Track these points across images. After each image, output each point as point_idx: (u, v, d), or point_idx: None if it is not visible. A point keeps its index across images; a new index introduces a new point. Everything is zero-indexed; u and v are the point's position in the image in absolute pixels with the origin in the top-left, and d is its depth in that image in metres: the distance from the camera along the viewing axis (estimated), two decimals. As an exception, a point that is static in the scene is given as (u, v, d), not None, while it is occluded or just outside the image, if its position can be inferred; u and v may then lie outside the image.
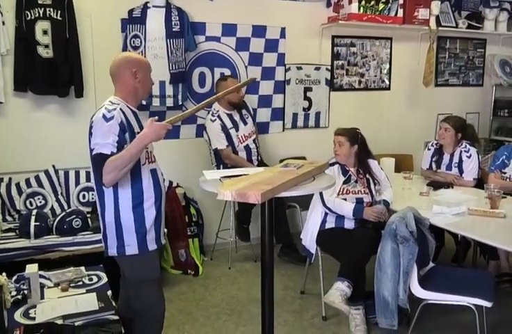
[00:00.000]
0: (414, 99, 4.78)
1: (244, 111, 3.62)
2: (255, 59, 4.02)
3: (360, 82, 4.49)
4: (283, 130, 4.22)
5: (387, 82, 4.63)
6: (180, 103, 3.66)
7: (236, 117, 3.56)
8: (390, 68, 4.61)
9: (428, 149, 3.63)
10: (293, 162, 2.16)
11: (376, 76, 4.56)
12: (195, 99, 3.83)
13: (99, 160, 1.74)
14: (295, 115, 4.27)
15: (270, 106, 4.16)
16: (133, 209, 1.94)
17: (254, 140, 3.60)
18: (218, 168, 3.64)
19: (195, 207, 3.75)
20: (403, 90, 4.70)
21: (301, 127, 4.30)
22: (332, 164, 2.90)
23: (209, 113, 3.54)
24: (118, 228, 1.95)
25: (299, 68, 4.21)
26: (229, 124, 3.51)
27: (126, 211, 1.93)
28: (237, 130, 3.52)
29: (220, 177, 2.04)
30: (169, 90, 3.56)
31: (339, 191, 2.88)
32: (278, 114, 4.20)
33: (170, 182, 3.65)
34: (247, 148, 3.57)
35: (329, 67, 4.34)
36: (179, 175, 3.76)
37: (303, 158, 3.99)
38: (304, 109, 4.30)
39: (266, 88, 4.07)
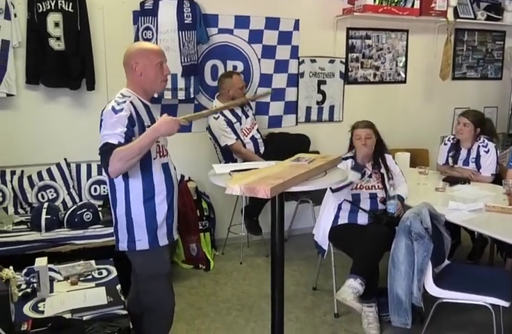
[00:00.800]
0: (431, 92, 4.70)
1: (248, 107, 3.66)
2: (268, 52, 3.98)
3: (375, 75, 4.44)
4: (296, 124, 4.18)
5: (403, 75, 4.56)
6: (192, 96, 3.64)
7: (239, 111, 3.57)
8: (406, 61, 4.53)
9: (445, 144, 3.57)
10: (304, 156, 2.15)
11: (391, 69, 4.50)
12: (207, 92, 3.81)
13: (105, 149, 1.71)
14: (308, 109, 4.24)
15: (284, 99, 4.13)
16: (144, 203, 1.92)
17: (258, 130, 3.62)
18: (227, 162, 3.63)
19: (206, 201, 3.74)
20: (420, 84, 4.63)
21: (315, 121, 4.27)
22: (346, 158, 2.88)
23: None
24: (129, 222, 1.93)
25: (313, 61, 4.17)
26: (232, 118, 3.51)
27: (137, 205, 1.91)
28: (241, 124, 3.54)
29: (230, 171, 2.04)
30: (181, 83, 3.54)
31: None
32: (291, 107, 4.17)
33: (182, 176, 3.64)
34: (253, 139, 3.58)
35: (343, 60, 4.29)
36: (191, 169, 3.75)
37: (316, 152, 3.95)
38: (318, 103, 4.27)
39: (280, 81, 4.04)
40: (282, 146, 3.67)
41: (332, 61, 4.25)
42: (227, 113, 3.49)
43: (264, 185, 1.58)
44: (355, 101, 4.37)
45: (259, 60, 3.97)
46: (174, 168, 2.07)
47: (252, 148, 3.56)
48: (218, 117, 3.46)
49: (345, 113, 4.34)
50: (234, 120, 3.51)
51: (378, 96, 4.47)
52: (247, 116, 3.60)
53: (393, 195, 2.81)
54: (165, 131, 1.75)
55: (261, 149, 3.62)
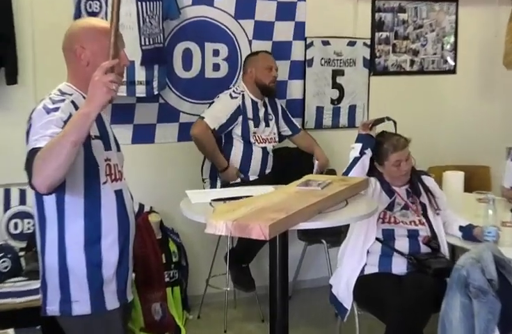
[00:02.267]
0: (491, 86, 4.75)
1: (269, 109, 3.84)
2: (263, 30, 4.01)
3: (412, 62, 4.48)
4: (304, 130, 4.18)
5: (452, 62, 4.62)
6: (156, 92, 3.67)
7: (261, 111, 3.77)
8: (456, 43, 4.60)
9: (513, 160, 3.61)
10: (316, 178, 2.19)
11: (435, 53, 4.55)
12: (177, 87, 3.85)
13: (30, 157, 1.68)
14: (319, 110, 4.25)
15: (285, 96, 4.15)
16: (86, 248, 1.90)
17: (273, 147, 3.84)
18: (212, 186, 3.68)
19: (175, 241, 3.74)
20: (475, 74, 4.69)
21: (328, 127, 4.28)
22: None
23: (228, 89, 3.75)
24: (63, 274, 1.90)
25: (325, 43, 4.20)
26: (249, 113, 3.69)
27: (76, 250, 1.90)
28: (256, 126, 3.72)
29: (211, 199, 2.07)
30: (140, 74, 3.56)
31: (382, 217, 2.90)
32: (295, 108, 4.18)
33: (141, 206, 3.64)
34: (264, 152, 3.76)
35: (368, 42, 4.33)
36: (154, 196, 3.76)
37: (332, 172, 3.96)
38: (332, 101, 4.28)
39: (279, 71, 4.01)
40: (283, 164, 3.75)
41: (352, 43, 4.28)
42: (247, 102, 3.70)
43: (261, 221, 1.61)
44: (385, 98, 4.40)
45: (249, 42, 4.00)
46: (131, 197, 2.08)
47: (259, 162, 3.73)
48: (236, 98, 3.66)
49: (371, 115, 4.36)
50: (250, 115, 3.70)
51: (416, 91, 4.52)
52: (267, 125, 3.80)
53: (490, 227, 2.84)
54: (98, 94, 1.63)
55: (268, 169, 3.79)
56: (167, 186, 3.79)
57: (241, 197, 2.06)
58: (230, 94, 3.66)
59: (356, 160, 2.93)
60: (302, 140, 3.97)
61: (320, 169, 3.72)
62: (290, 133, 3.95)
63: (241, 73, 3.86)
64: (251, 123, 3.68)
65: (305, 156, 3.93)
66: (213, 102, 3.67)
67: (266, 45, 4.04)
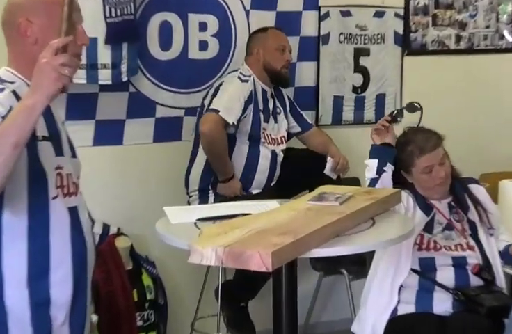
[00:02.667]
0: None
1: (278, 103, 3.93)
2: None
3: (458, 38, 4.52)
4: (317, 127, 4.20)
5: (510, 38, 4.64)
6: (125, 79, 3.70)
7: (270, 102, 3.86)
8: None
9: None
10: (333, 190, 2.21)
11: (488, 27, 4.58)
12: (153, 71, 3.86)
13: None
14: (338, 101, 4.30)
15: (292, 84, 4.17)
16: (30, 283, 1.89)
17: (282, 151, 3.89)
18: (203, 201, 3.68)
19: (151, 273, 3.74)
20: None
21: (349, 123, 4.33)
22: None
23: (234, 71, 3.84)
24: (1, 319, 1.89)
25: (345, 14, 4.25)
26: (260, 104, 3.76)
27: (16, 287, 1.89)
28: (265, 121, 3.81)
29: (197, 219, 2.09)
30: (104, 55, 3.58)
31: (419, 243, 2.89)
32: (306, 99, 4.21)
33: (105, 227, 3.65)
34: (273, 156, 3.80)
35: (401, 12, 4.37)
36: (122, 214, 3.78)
37: (355, 181, 3.98)
38: (355, 89, 4.33)
39: None
40: (289, 171, 3.78)
41: (380, 14, 4.32)
42: (258, 89, 3.77)
43: (261, 247, 1.63)
44: (423, 85, 4.43)
45: (246, 12, 4.04)
46: (90, 218, 2.08)
47: (267, 171, 3.77)
48: (247, 81, 3.71)
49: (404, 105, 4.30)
50: (261, 105, 3.78)
51: (463, 76, 4.55)
52: (276, 120, 3.88)
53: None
54: (47, 84, 1.64)
55: (274, 180, 3.85)
56: (139, 202, 3.82)
57: (235, 216, 2.07)
58: (239, 77, 3.71)
59: (373, 182, 2.92)
60: (315, 138, 4.00)
61: (334, 169, 3.76)
62: (299, 130, 3.98)
63: (245, 55, 3.88)
64: (261, 117, 3.76)
65: (317, 161, 3.91)
66: (217, 89, 3.69)
67: (267, 17, 4.06)
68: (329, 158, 3.74)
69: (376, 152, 2.97)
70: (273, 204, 2.28)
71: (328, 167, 3.67)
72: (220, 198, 3.61)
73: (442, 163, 2.92)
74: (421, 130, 3.01)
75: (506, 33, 4.65)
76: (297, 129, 3.98)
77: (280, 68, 3.75)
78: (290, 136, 3.96)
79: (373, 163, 2.93)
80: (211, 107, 3.60)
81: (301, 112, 3.99)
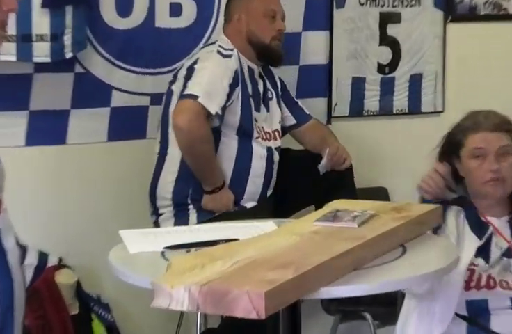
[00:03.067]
0: None
1: (269, 84, 3.96)
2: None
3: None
4: (328, 121, 4.25)
5: None
6: (69, 55, 3.67)
7: (260, 84, 3.90)
8: None
9: None
10: (349, 206, 2.21)
11: None
12: (107, 44, 3.85)
13: None
14: (358, 85, 4.32)
15: (298, 62, 4.19)
16: None
17: (277, 150, 3.94)
18: (181, 220, 3.62)
19: (104, 319, 3.71)
20: None
21: (374, 114, 4.36)
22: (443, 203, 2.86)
23: (211, 44, 3.87)
24: None
25: (368, -35, 4.29)
26: (249, 86, 3.80)
27: None
28: (256, 109, 3.83)
29: (164, 247, 2.09)
30: (40, 23, 3.57)
31: (467, 280, 2.83)
32: (316, 82, 4.24)
33: (42, 257, 3.60)
34: (269, 154, 3.83)
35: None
36: (64, 240, 3.76)
37: (381, 192, 3.99)
38: (381, 68, 4.35)
39: (288, 17, 4.03)
40: (290, 178, 3.76)
41: (414, -35, 4.37)
42: (244, 68, 3.77)
43: (250, 285, 1.60)
44: (474, 61, 4.46)
45: None
46: (19, 245, 2.06)
47: (262, 177, 3.78)
48: (230, 56, 3.72)
49: (450, 93, 4.42)
50: (250, 90, 3.81)
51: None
52: (267, 108, 3.90)
53: None
54: None
55: (270, 188, 3.87)
56: (88, 223, 3.78)
57: (217, 243, 2.05)
58: (219, 52, 3.71)
59: None
60: (313, 133, 3.98)
61: (330, 162, 3.74)
62: (294, 122, 3.97)
63: (223, 21, 3.87)
64: (252, 103, 3.79)
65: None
66: (191, 68, 3.67)
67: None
68: (326, 150, 3.74)
69: None
70: (268, 225, 2.27)
71: (321, 163, 3.69)
72: (207, 216, 3.59)
73: (502, 154, 2.88)
74: (488, 110, 3.00)
75: None
76: (291, 121, 3.97)
77: (269, 40, 3.72)
78: (284, 130, 3.96)
79: None
80: (185, 92, 3.57)
81: (296, 99, 4.00)
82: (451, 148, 2.97)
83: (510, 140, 2.91)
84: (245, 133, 3.70)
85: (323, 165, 3.68)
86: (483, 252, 2.86)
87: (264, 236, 2.07)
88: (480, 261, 2.85)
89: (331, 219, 2.10)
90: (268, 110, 3.84)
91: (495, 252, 2.88)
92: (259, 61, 3.79)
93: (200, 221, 3.52)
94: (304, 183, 3.79)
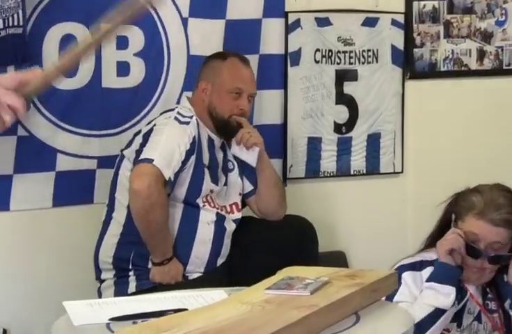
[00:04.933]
0: None
1: (229, 155, 4.00)
2: (208, 1, 4.11)
3: (481, 55, 4.57)
4: (284, 182, 4.21)
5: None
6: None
7: (219, 155, 3.94)
8: None
9: None
10: (303, 274, 2.19)
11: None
12: (52, 105, 3.87)
13: None
14: (314, 145, 4.34)
15: (251, 120, 4.16)
16: None
17: (236, 221, 3.94)
18: (120, 291, 3.62)
19: None
20: None
21: (331, 175, 4.35)
22: (415, 266, 2.94)
23: (169, 111, 3.87)
24: None
25: (323, 22, 4.31)
26: (205, 156, 3.82)
27: None
28: (214, 181, 3.85)
29: (110, 318, 2.06)
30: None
31: None
32: (270, 142, 4.15)
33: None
34: (219, 221, 3.82)
35: (401, 19, 4.44)
36: (7, 312, 3.71)
37: (338, 256, 4.00)
38: (338, 128, 4.37)
39: None
40: (249, 248, 3.77)
41: (371, 22, 4.40)
42: (203, 137, 3.81)
43: None
44: (435, 120, 4.50)
45: (184, 21, 4.09)
46: None
47: (209, 246, 3.77)
48: (188, 123, 3.74)
49: (409, 153, 4.44)
50: (206, 159, 3.83)
51: (490, 107, 4.60)
52: (226, 182, 3.94)
53: None
54: None
55: (221, 257, 3.87)
56: (31, 293, 3.76)
57: (164, 313, 2.04)
58: (177, 118, 3.74)
59: (439, 315, 2.85)
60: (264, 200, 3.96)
61: (238, 145, 3.80)
62: (251, 188, 3.96)
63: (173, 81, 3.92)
64: (207, 174, 3.79)
65: (291, 233, 3.90)
66: (148, 133, 3.68)
67: (214, 28, 4.12)
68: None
69: (449, 272, 2.92)
70: (218, 294, 2.26)
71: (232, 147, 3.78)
72: (146, 284, 3.58)
73: (492, 247, 2.91)
74: (500, 193, 3.00)
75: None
76: (248, 188, 3.97)
77: (227, 116, 3.76)
78: (243, 200, 3.96)
79: (450, 291, 2.86)
80: (141, 157, 3.58)
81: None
82: (453, 209, 3.00)
83: (507, 236, 2.93)
84: (191, 203, 3.71)
85: (232, 150, 3.73)
86: (456, 316, 2.91)
87: (214, 305, 2.04)
88: (453, 325, 2.90)
89: (283, 287, 2.07)
90: (225, 183, 3.86)
91: (468, 317, 2.94)
92: (219, 133, 3.81)
93: (138, 290, 3.53)
94: (263, 252, 3.77)
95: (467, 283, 2.97)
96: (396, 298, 2.79)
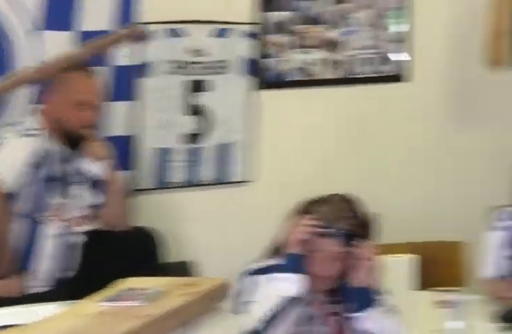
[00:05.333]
0: (471, 102, 4.97)
1: (82, 166, 3.92)
2: (55, 11, 4.09)
3: (330, 64, 4.67)
4: (133, 194, 4.24)
5: (404, 63, 4.84)
6: None
7: (68, 165, 3.86)
8: (412, 27, 4.83)
9: (503, 230, 3.74)
10: (141, 284, 2.30)
11: (374, 47, 4.78)
12: None
13: None
14: (164, 156, 4.38)
15: (101, 132, 4.14)
16: None
17: (87, 233, 3.93)
18: None
19: None
20: (444, 82, 4.90)
21: (180, 186, 4.40)
22: (268, 270, 2.95)
23: (15, 124, 3.87)
24: None
25: (175, 33, 4.36)
26: (53, 168, 3.76)
27: None
28: (63, 195, 3.82)
29: None
30: None
31: None
32: (121, 153, 4.17)
33: None
34: (65, 237, 3.79)
35: (253, 30, 4.51)
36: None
37: (182, 267, 4.04)
38: (189, 139, 4.42)
39: None
40: (92, 258, 3.78)
41: (222, 33, 4.46)
42: (52, 152, 3.77)
43: None
44: (285, 130, 4.57)
45: (33, 33, 4.05)
46: None
47: (52, 260, 3.74)
48: (34, 136, 3.74)
49: (261, 161, 4.48)
50: (57, 171, 3.78)
51: (339, 117, 4.70)
52: (74, 195, 3.87)
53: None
54: None
55: (71, 270, 3.82)
56: None
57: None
58: (21, 132, 3.76)
59: (286, 303, 2.85)
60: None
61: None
62: (101, 200, 3.95)
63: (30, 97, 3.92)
64: (54, 187, 3.77)
65: (129, 243, 3.94)
66: None
67: (63, 39, 4.10)
68: None
69: (292, 260, 2.92)
70: (48, 309, 2.29)
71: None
72: None
73: (334, 258, 2.92)
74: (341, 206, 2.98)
75: (393, 56, 4.83)
76: (98, 199, 3.94)
77: (74, 129, 3.76)
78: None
79: (292, 279, 2.87)
80: None
81: None
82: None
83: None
84: (35, 216, 3.69)
85: (81, 163, 3.77)
86: (303, 320, 2.91)
87: (48, 319, 2.07)
88: (299, 330, 2.89)
89: (117, 298, 2.12)
90: (74, 196, 3.83)
91: (313, 321, 2.94)
92: (69, 143, 3.79)
93: None
94: (109, 264, 3.75)
95: (320, 273, 2.92)
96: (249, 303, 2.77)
